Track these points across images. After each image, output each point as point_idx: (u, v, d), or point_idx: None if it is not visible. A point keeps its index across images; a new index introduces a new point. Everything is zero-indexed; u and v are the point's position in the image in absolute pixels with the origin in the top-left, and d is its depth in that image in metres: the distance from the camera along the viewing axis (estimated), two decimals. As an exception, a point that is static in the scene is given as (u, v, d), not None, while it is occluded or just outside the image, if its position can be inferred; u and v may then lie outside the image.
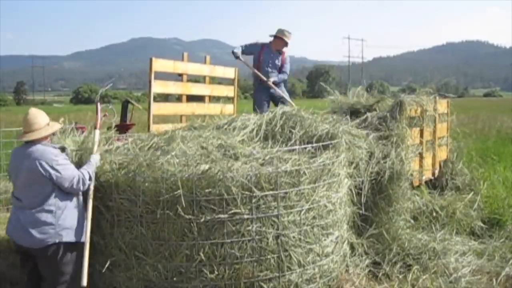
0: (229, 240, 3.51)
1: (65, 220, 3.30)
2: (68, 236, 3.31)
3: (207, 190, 3.46)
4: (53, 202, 3.27)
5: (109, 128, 4.62)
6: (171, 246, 3.52)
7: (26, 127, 3.31)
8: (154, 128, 5.53)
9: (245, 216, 3.52)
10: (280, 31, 7.08)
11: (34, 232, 3.22)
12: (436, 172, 6.62)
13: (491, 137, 13.32)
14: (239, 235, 3.53)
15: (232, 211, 3.49)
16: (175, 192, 3.42)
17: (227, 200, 3.48)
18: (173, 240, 3.51)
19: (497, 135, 14.08)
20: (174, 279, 3.53)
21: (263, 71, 7.00)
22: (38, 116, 3.34)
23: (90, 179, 3.42)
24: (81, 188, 3.36)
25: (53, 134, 3.55)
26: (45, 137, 3.35)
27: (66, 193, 3.33)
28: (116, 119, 4.59)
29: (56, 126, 3.47)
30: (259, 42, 7.24)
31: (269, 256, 3.62)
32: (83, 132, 4.37)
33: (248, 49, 7.16)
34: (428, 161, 6.21)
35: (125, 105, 7.40)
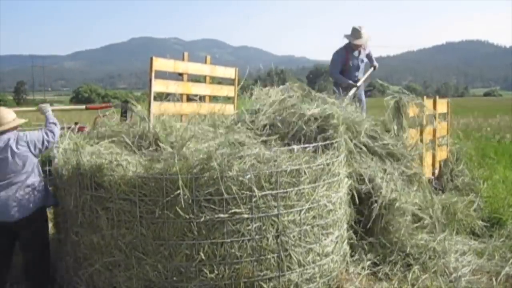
0: (229, 240, 3.52)
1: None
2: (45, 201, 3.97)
3: (207, 190, 3.46)
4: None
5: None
6: (171, 246, 3.52)
7: None
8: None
9: (245, 216, 3.52)
10: (354, 33, 6.90)
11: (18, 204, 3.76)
12: (436, 172, 6.63)
13: (491, 137, 13.31)
14: (239, 235, 3.53)
15: (232, 211, 3.49)
16: (175, 192, 3.43)
17: (227, 200, 3.48)
18: (173, 240, 3.51)
19: (497, 135, 14.07)
20: (174, 279, 3.53)
21: (352, 76, 6.91)
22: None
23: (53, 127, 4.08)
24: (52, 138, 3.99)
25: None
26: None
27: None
28: (116, 119, 4.60)
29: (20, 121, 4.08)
30: (340, 49, 7.05)
31: (269, 256, 3.62)
32: (83, 132, 4.39)
33: (338, 66, 6.98)
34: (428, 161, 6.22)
35: (124, 105, 7.40)
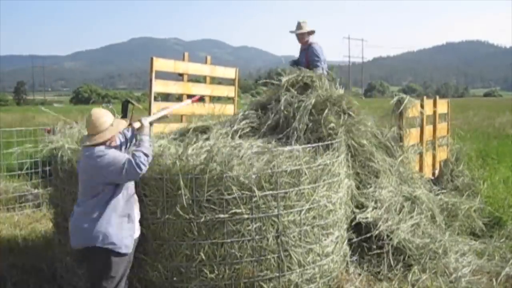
0: (229, 240, 3.51)
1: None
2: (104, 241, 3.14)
3: (207, 190, 3.46)
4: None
5: None
6: (171, 246, 3.52)
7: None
8: (154, 127, 5.52)
9: (245, 216, 3.52)
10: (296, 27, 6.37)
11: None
12: (436, 172, 6.63)
13: (491, 137, 13.31)
14: (239, 235, 3.53)
15: (232, 211, 3.49)
16: (175, 192, 3.42)
17: (227, 200, 3.48)
18: (173, 240, 3.51)
19: (497, 135, 14.08)
20: (174, 279, 3.53)
21: None
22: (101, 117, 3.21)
23: (146, 158, 3.17)
24: (138, 171, 3.11)
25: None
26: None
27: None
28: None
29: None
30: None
31: (269, 256, 3.61)
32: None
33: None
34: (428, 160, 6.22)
35: (125, 105, 7.40)
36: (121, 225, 3.15)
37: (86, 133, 3.30)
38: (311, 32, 6.43)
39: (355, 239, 4.40)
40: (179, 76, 6.56)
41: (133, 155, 3.14)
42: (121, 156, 3.16)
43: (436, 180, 6.49)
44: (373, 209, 4.43)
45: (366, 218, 4.33)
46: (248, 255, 3.55)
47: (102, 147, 3.16)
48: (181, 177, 3.41)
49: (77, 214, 3.19)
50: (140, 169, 3.10)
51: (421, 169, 5.92)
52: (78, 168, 3.28)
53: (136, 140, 3.39)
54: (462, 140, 7.64)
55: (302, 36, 6.38)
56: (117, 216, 3.14)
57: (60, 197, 4.09)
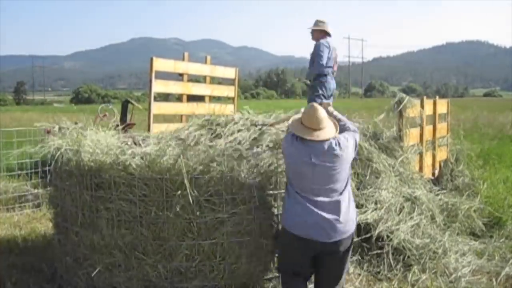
0: (229, 240, 3.51)
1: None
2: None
3: (207, 190, 3.46)
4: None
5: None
6: (171, 246, 3.52)
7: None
8: (154, 127, 5.53)
9: (245, 216, 3.52)
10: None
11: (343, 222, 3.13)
12: (436, 172, 6.63)
13: (491, 137, 13.32)
14: (239, 235, 3.53)
15: (232, 211, 3.49)
16: (175, 192, 3.43)
17: (227, 200, 3.48)
18: (173, 240, 3.51)
19: (497, 135, 14.08)
20: (174, 279, 3.53)
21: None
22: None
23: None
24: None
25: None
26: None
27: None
28: (116, 119, 4.59)
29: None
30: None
31: (269, 256, 3.61)
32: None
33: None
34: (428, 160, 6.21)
35: (125, 104, 7.41)
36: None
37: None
38: (323, 32, 6.61)
39: (355, 239, 4.39)
40: (179, 76, 6.57)
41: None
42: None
43: (436, 180, 6.49)
44: (373, 211, 4.43)
45: (366, 219, 4.33)
46: (248, 255, 3.55)
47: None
48: (185, 176, 3.39)
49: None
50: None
51: (421, 169, 5.92)
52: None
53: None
54: (462, 140, 7.63)
55: (314, 33, 6.62)
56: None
57: (60, 197, 4.09)
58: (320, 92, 6.51)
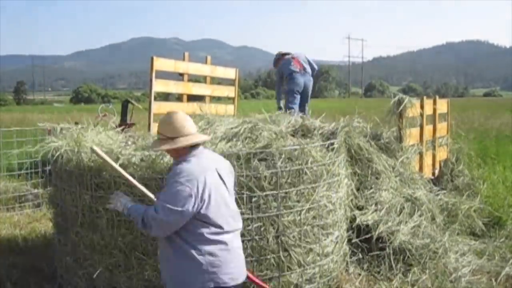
0: (229, 240, 3.50)
1: None
2: None
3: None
4: None
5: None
6: (171, 246, 3.51)
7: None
8: (154, 127, 5.52)
9: (245, 216, 3.52)
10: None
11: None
12: (436, 172, 6.63)
13: (490, 137, 13.31)
14: (239, 235, 3.52)
15: (232, 211, 3.48)
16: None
17: (227, 200, 3.47)
18: (173, 240, 3.50)
19: (496, 134, 14.08)
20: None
21: None
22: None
23: None
24: None
25: None
26: None
27: None
28: (116, 119, 4.58)
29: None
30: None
31: (269, 256, 3.61)
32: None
33: None
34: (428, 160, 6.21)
35: (125, 104, 7.41)
36: None
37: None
38: (279, 60, 7.63)
39: (355, 240, 4.40)
40: (179, 76, 6.56)
41: None
42: None
43: (436, 180, 6.49)
44: (373, 212, 4.43)
45: (367, 220, 4.33)
46: (248, 255, 3.54)
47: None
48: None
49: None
50: None
51: (421, 169, 5.92)
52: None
53: None
54: (462, 140, 7.62)
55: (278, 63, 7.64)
56: None
57: (60, 197, 4.09)
58: (294, 88, 7.24)
